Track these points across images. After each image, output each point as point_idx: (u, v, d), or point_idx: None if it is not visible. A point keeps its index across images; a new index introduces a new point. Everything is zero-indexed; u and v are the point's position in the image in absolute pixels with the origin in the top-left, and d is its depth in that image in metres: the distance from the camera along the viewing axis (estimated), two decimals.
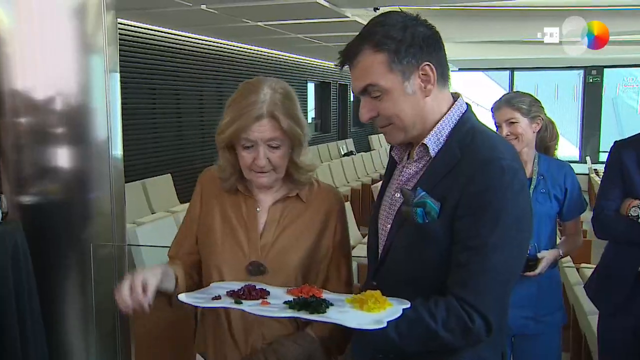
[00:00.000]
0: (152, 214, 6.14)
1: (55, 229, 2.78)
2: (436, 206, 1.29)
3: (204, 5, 6.00)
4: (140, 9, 6.06)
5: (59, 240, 2.79)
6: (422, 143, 1.36)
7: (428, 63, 1.31)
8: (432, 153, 1.35)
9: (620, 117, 16.45)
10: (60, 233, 2.78)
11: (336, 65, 1.38)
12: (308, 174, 1.63)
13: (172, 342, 3.37)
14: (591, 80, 15.69)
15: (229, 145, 1.57)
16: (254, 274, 1.56)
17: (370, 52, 1.31)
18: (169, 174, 7.18)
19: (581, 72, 15.80)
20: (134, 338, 3.17)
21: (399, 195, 1.40)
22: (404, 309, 1.23)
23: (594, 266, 4.68)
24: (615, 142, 2.37)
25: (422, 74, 1.32)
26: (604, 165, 2.40)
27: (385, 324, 1.17)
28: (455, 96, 1.40)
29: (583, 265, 4.18)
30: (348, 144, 13.52)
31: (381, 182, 1.59)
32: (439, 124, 1.35)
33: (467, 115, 1.38)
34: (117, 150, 2.93)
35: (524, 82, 16.29)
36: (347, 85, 13.99)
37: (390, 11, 1.35)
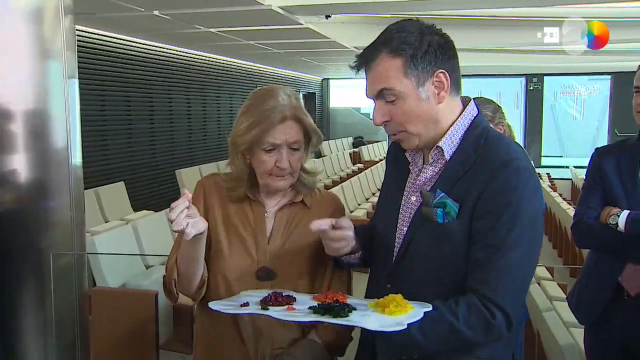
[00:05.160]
0: (106, 222, 6.01)
1: (13, 238, 2.69)
2: (455, 206, 1.34)
3: (157, 11, 5.96)
4: (91, 13, 5.95)
5: (17, 249, 2.70)
6: (437, 146, 1.40)
7: (442, 70, 1.36)
8: (447, 156, 1.39)
9: (559, 123, 17.13)
10: (18, 242, 2.70)
11: (352, 67, 1.41)
12: (315, 177, 1.69)
13: (131, 353, 3.31)
14: (532, 87, 16.24)
15: (246, 151, 1.57)
16: (264, 279, 1.57)
17: (388, 57, 1.35)
18: (122, 182, 7.05)
19: (523, 79, 16.35)
20: (92, 349, 3.10)
21: (414, 198, 1.44)
22: (425, 312, 1.26)
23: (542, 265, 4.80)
24: (596, 149, 2.31)
25: (436, 81, 1.36)
26: (585, 172, 2.31)
27: (405, 326, 1.20)
28: (466, 101, 1.45)
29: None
30: None
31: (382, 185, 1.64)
32: (452, 127, 1.40)
33: (479, 119, 1.44)
34: (77, 157, 2.86)
35: (468, 89, 16.66)
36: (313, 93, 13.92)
37: (406, 19, 1.40)
